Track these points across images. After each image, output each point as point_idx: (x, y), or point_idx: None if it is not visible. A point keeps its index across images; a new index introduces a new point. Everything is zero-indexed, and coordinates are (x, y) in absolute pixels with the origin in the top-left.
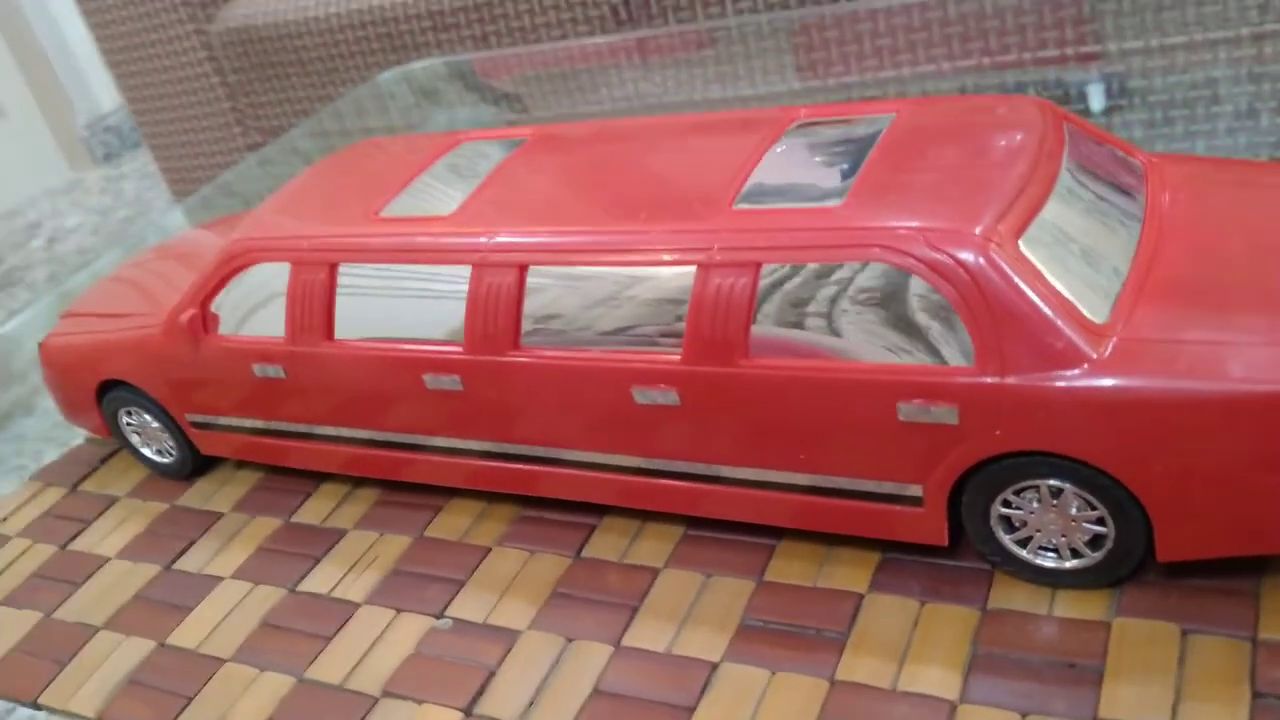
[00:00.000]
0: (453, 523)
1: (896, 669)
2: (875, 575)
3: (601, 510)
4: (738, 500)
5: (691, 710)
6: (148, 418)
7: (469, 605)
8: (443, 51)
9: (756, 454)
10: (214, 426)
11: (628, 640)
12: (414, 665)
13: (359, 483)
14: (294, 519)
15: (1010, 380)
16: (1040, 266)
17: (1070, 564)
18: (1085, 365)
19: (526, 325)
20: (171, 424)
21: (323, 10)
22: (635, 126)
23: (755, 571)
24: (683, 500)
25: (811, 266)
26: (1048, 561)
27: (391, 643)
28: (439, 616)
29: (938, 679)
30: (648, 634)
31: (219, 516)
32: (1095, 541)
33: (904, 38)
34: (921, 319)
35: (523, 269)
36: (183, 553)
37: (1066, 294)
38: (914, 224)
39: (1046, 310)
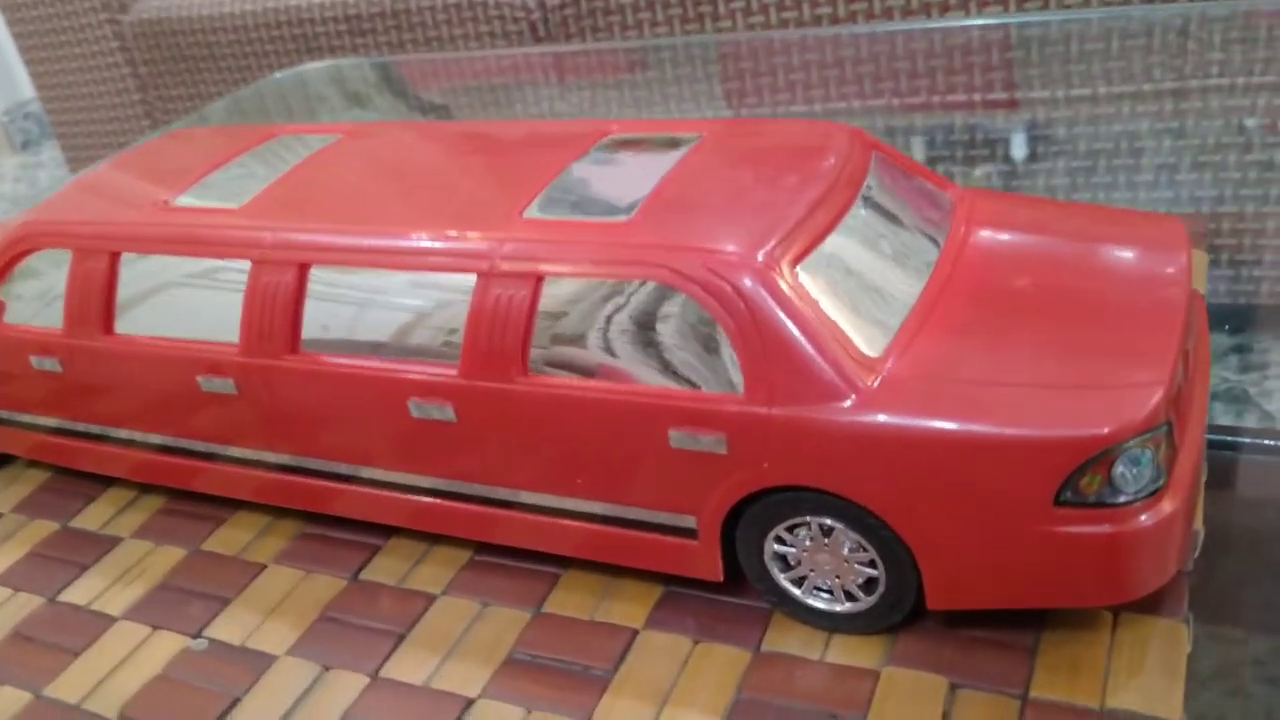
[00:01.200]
0: (233, 536)
1: (655, 712)
2: (654, 610)
3: (390, 531)
4: (524, 527)
5: None
6: None
7: (230, 626)
8: (357, 55)
9: (536, 477)
10: (2, 422)
11: (387, 670)
12: (158, 688)
13: (146, 489)
14: (72, 523)
15: (777, 411)
16: (817, 296)
17: (844, 607)
18: (851, 399)
19: (307, 329)
20: None
21: (238, 6)
22: (451, 130)
23: (534, 602)
24: (472, 525)
25: (595, 283)
26: (821, 603)
27: (140, 662)
28: (195, 636)
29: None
30: (409, 665)
31: None
32: (869, 585)
33: (817, 73)
34: (696, 343)
35: (303, 267)
36: None
37: (841, 325)
38: (693, 244)
39: (813, 341)
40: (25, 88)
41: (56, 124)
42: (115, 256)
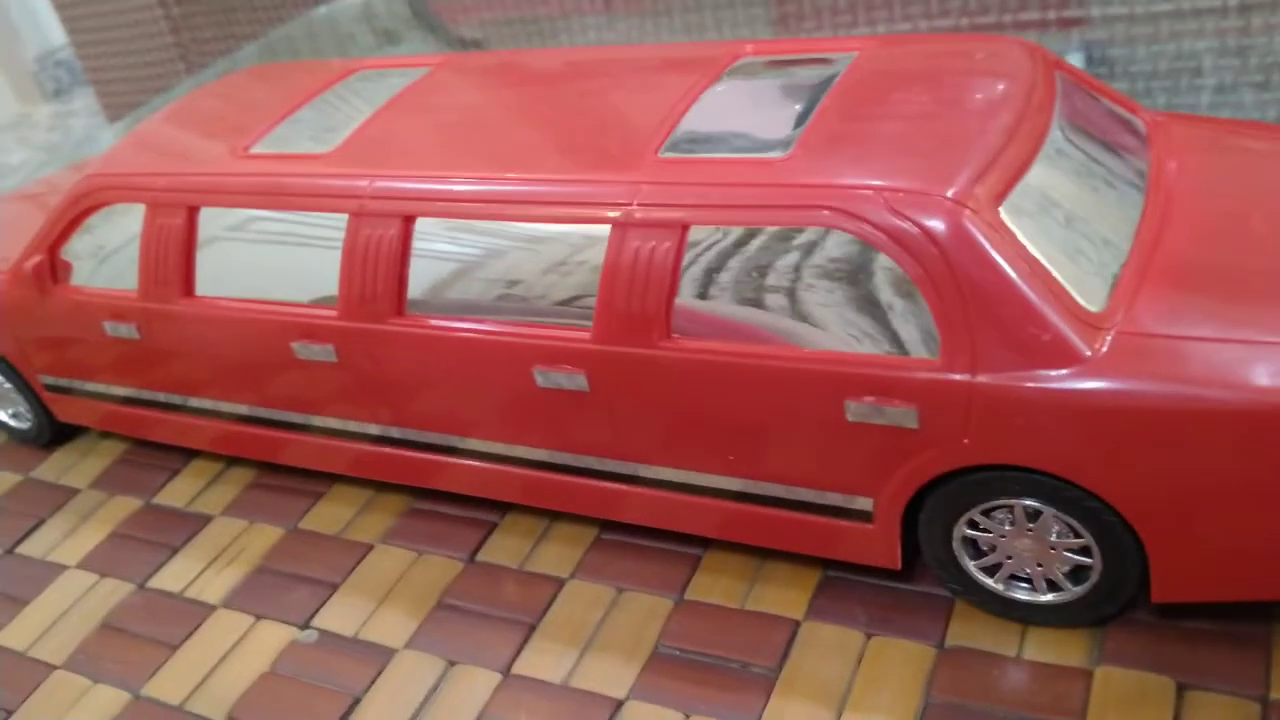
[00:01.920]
0: (333, 513)
1: (834, 717)
2: (814, 598)
3: (505, 507)
4: (658, 505)
5: None
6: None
7: (340, 614)
8: None
9: (679, 452)
10: (71, 391)
11: (519, 667)
12: (267, 686)
13: (233, 462)
14: (156, 500)
15: (982, 379)
16: (1025, 240)
17: (1046, 598)
18: (1076, 364)
19: (413, 289)
20: (24, 385)
21: None
22: (557, 59)
23: (675, 588)
24: (595, 502)
25: (749, 230)
26: (1020, 594)
27: (245, 656)
28: (303, 627)
29: None
30: (544, 660)
31: (74, 493)
32: (1077, 574)
33: None
34: (878, 299)
35: (408, 220)
36: (29, 534)
37: (1056, 275)
38: (872, 183)
39: (1031, 294)
40: (54, 34)
41: (90, 70)
42: (194, 211)
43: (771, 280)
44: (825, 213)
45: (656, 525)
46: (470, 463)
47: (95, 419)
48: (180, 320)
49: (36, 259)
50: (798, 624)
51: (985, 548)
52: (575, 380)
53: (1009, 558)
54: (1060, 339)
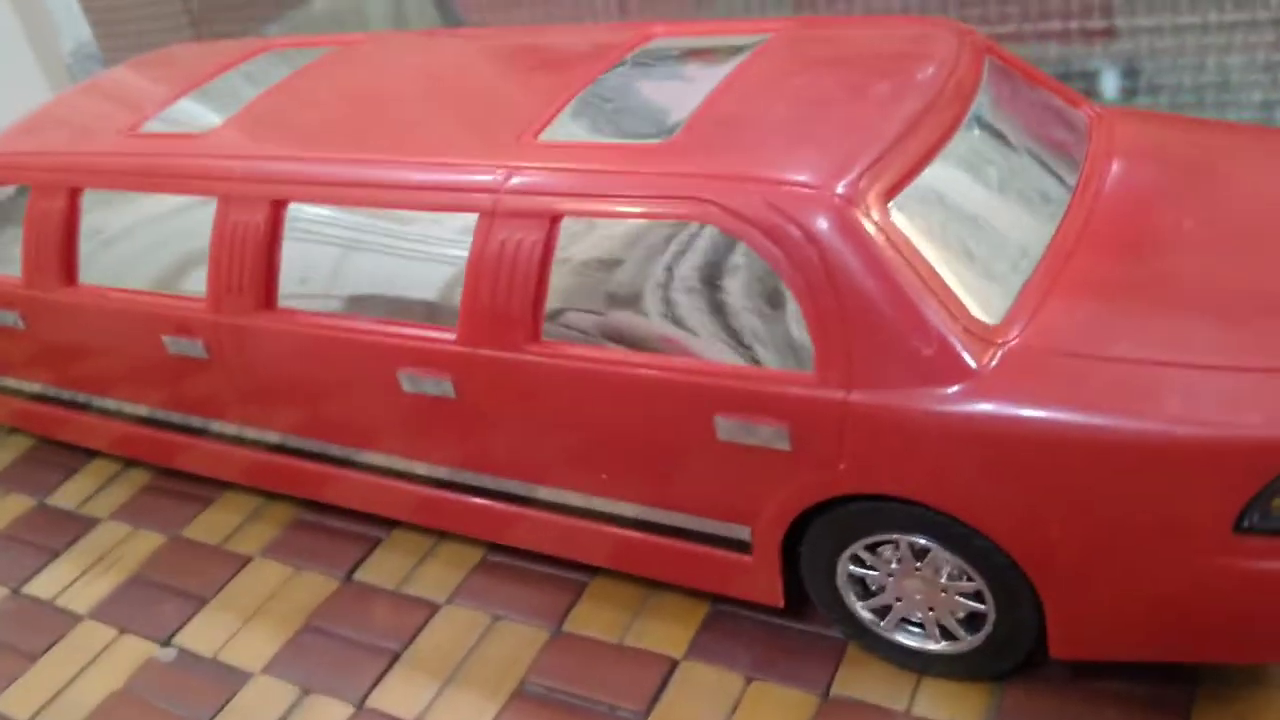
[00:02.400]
0: (219, 520)
1: None
2: (698, 635)
3: (393, 522)
4: (540, 528)
5: None
6: None
7: (204, 632)
8: None
9: (552, 469)
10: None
11: (375, 698)
12: (114, 706)
13: (132, 462)
14: (49, 500)
15: (857, 396)
16: (916, 241)
17: (939, 646)
18: (962, 382)
19: (286, 281)
20: None
21: None
22: (466, 38)
23: (554, 617)
24: (483, 524)
25: (623, 223)
26: (910, 640)
27: (102, 671)
28: (165, 643)
29: None
30: (402, 692)
31: None
32: (973, 621)
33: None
34: (752, 304)
35: (277, 204)
36: None
37: (948, 281)
38: (751, 173)
39: (910, 303)
40: (86, 28)
41: (110, 63)
42: (75, 192)
43: (647, 280)
44: (696, 204)
45: (541, 550)
46: (353, 475)
47: (4, 415)
48: (61, 310)
49: None
50: (675, 664)
51: (874, 587)
52: (441, 386)
53: (898, 599)
54: (944, 353)
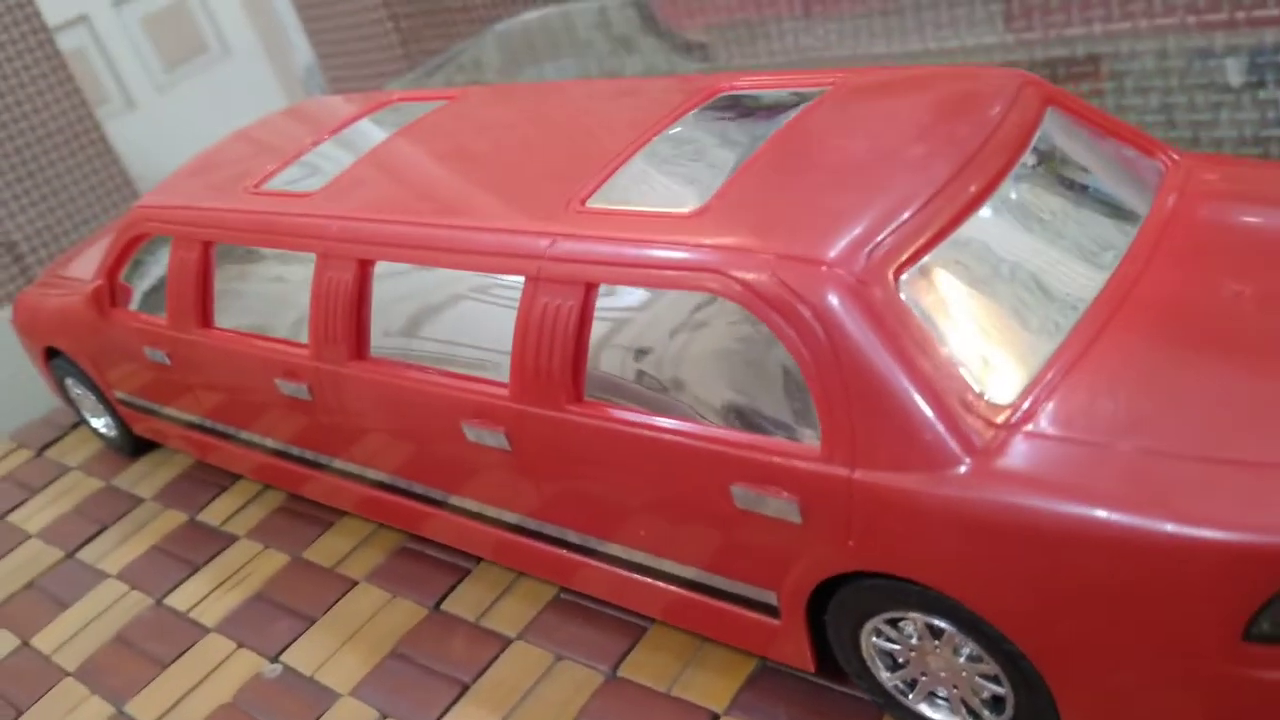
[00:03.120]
0: (335, 545)
1: None
2: (741, 691)
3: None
4: (603, 578)
5: None
6: (84, 390)
7: (307, 650)
8: None
9: (598, 523)
10: (136, 407)
11: None
12: (222, 717)
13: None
14: (199, 516)
15: (860, 475)
16: (929, 314)
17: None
18: (961, 466)
19: (378, 333)
20: (104, 399)
21: None
22: (550, 96)
23: (611, 660)
24: (547, 567)
25: (655, 291)
26: (938, 715)
27: (217, 683)
28: (273, 659)
29: None
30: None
31: (139, 502)
32: (997, 702)
33: None
34: (769, 376)
35: (364, 264)
36: (89, 540)
37: (959, 359)
38: (760, 245)
39: (914, 383)
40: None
41: (330, 80)
42: (207, 245)
43: (675, 347)
44: (712, 276)
45: (605, 598)
46: (441, 513)
47: (160, 435)
48: (196, 348)
49: (96, 284)
50: (716, 718)
51: (900, 660)
52: (497, 438)
53: (924, 674)
54: (943, 436)
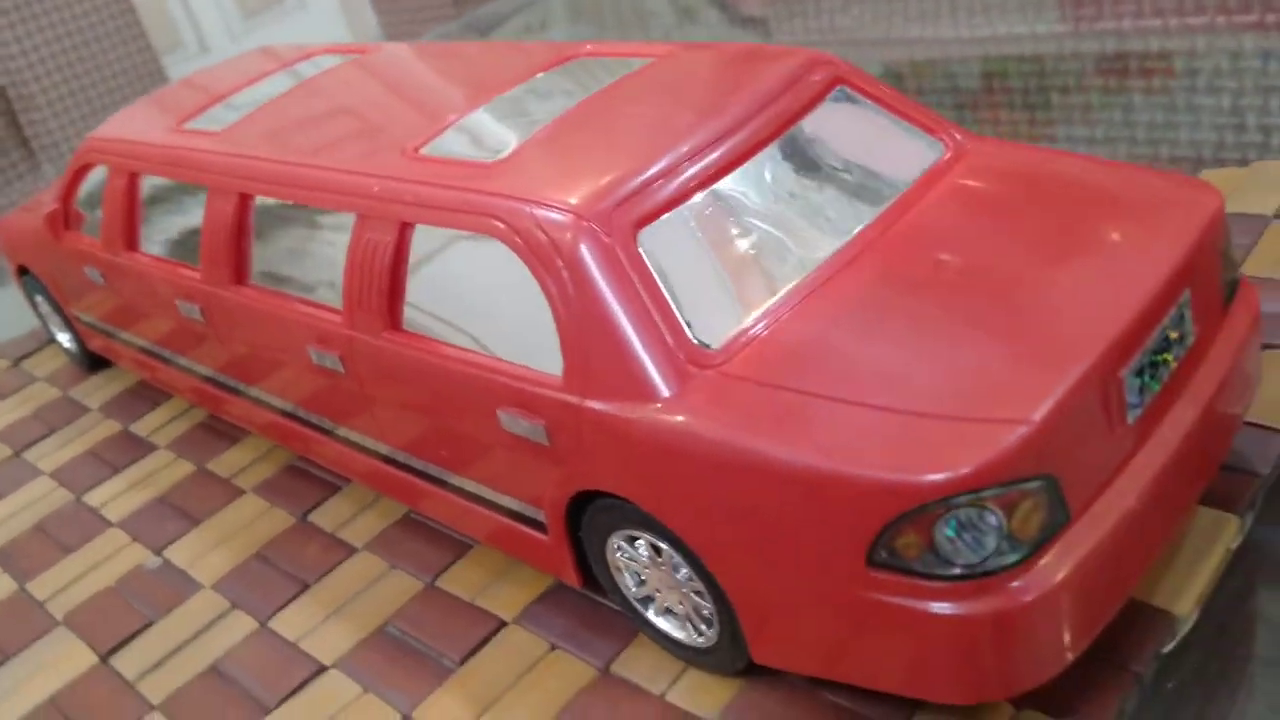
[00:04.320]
0: (236, 459)
1: (474, 716)
2: (534, 604)
3: None
4: (419, 494)
5: (269, 710)
6: (50, 308)
7: (187, 548)
8: None
9: (414, 443)
10: (91, 325)
11: (276, 621)
12: (102, 600)
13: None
14: (131, 427)
15: (589, 404)
16: (659, 265)
17: (679, 635)
18: (662, 400)
19: (260, 263)
20: (64, 316)
21: None
22: (446, 52)
23: (434, 571)
24: (403, 492)
25: (460, 233)
26: (672, 629)
27: (106, 570)
28: (157, 553)
29: None
30: (297, 619)
31: (85, 412)
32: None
33: None
34: (533, 313)
35: (244, 197)
36: (36, 441)
37: (680, 305)
38: (531, 195)
39: (634, 323)
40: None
41: (385, 26)
42: (134, 176)
43: (472, 285)
44: (489, 221)
45: (422, 513)
46: (311, 433)
47: (110, 353)
48: (123, 270)
49: (51, 208)
50: (503, 625)
51: (641, 577)
52: (334, 361)
53: (659, 590)
54: (657, 370)
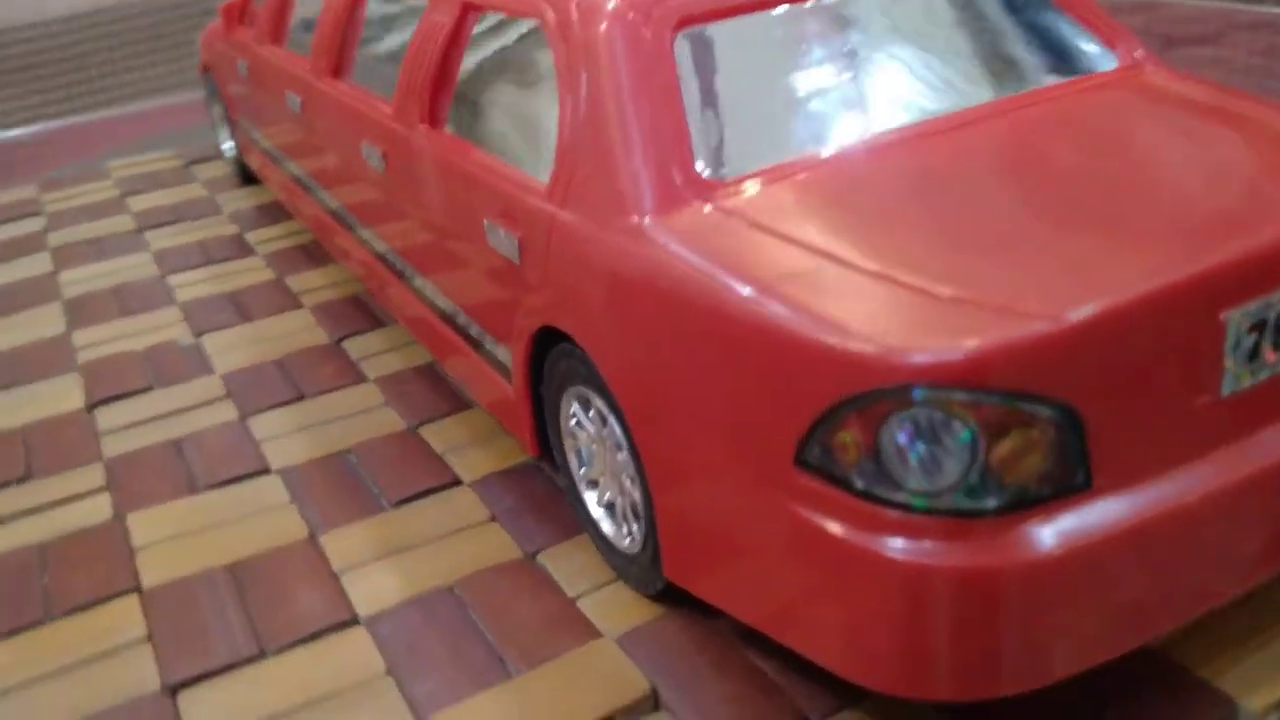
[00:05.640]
0: (370, 343)
1: (373, 559)
2: (496, 474)
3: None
4: (458, 360)
5: (195, 491)
6: (220, 111)
7: (221, 340)
8: None
9: (426, 263)
10: (249, 134)
11: (254, 420)
12: (126, 360)
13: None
14: (246, 235)
15: (564, 214)
16: (689, 74)
17: (615, 533)
18: (633, 221)
19: (358, 50)
20: (229, 120)
21: None
22: None
23: (419, 419)
24: (434, 343)
25: (515, 27)
26: (606, 524)
27: (144, 337)
28: (196, 337)
29: (378, 587)
30: (273, 422)
31: (216, 212)
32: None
33: None
34: (549, 114)
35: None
36: (161, 226)
37: (699, 123)
38: None
39: (635, 128)
40: None
41: None
42: None
43: (509, 90)
44: (539, 5)
45: (449, 372)
46: (351, 241)
47: (255, 164)
48: (263, 65)
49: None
50: (456, 484)
51: (585, 453)
52: (375, 156)
53: (602, 475)
54: (627, 190)
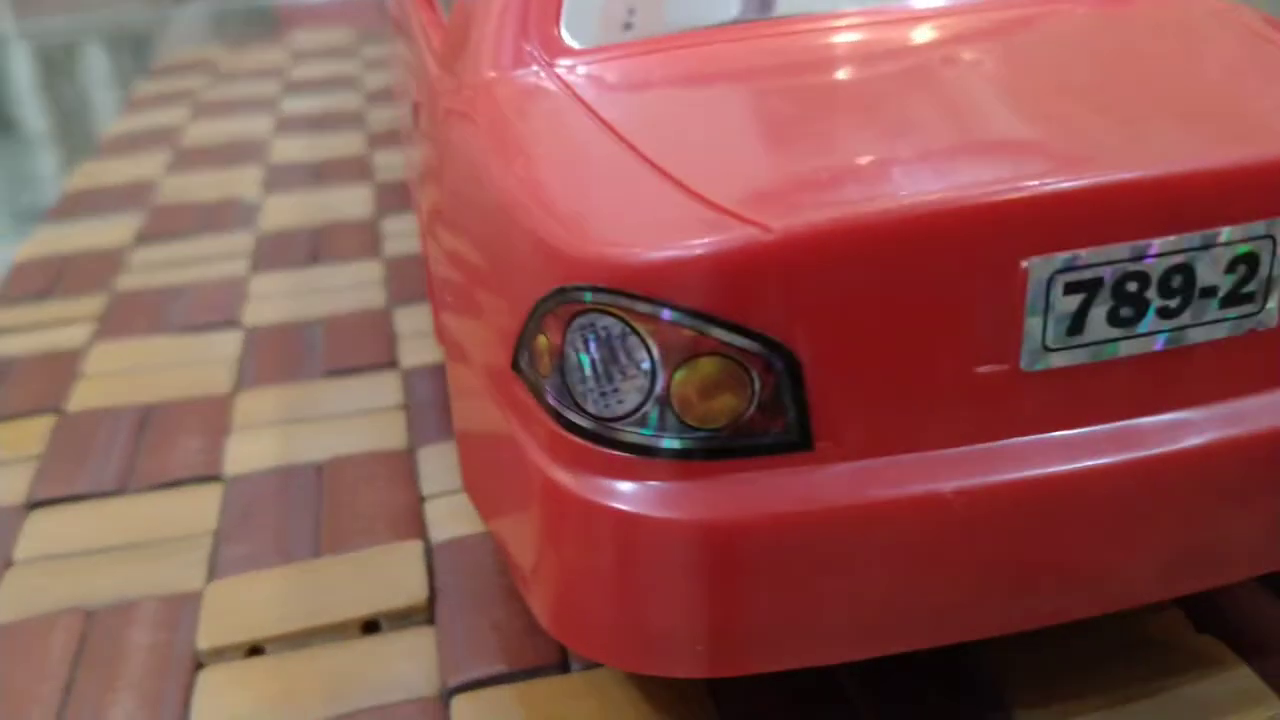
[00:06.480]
0: None
1: (275, 427)
2: (441, 364)
3: None
4: None
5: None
6: None
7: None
8: None
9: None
10: None
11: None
12: None
13: None
14: None
15: (439, 77)
16: None
17: None
18: (475, 80)
19: None
20: None
21: None
22: None
23: (404, 298)
24: None
25: None
26: None
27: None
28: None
29: (257, 451)
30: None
31: None
32: None
33: None
34: None
35: None
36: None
37: None
38: None
39: None
40: None
41: None
42: None
43: None
44: None
45: None
46: None
47: None
48: None
49: None
50: (392, 366)
51: None
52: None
53: None
54: (487, 46)
